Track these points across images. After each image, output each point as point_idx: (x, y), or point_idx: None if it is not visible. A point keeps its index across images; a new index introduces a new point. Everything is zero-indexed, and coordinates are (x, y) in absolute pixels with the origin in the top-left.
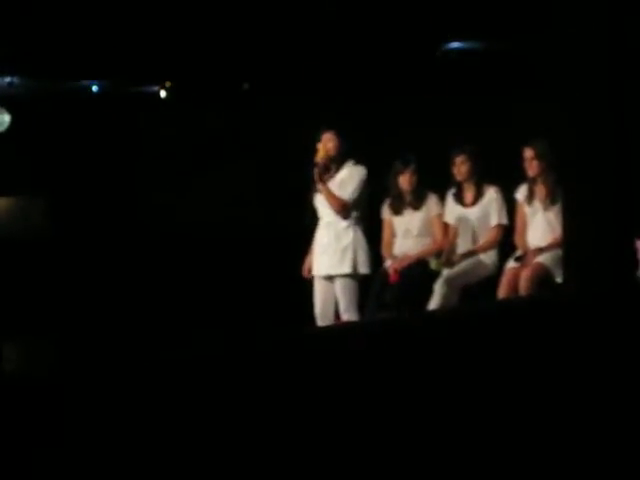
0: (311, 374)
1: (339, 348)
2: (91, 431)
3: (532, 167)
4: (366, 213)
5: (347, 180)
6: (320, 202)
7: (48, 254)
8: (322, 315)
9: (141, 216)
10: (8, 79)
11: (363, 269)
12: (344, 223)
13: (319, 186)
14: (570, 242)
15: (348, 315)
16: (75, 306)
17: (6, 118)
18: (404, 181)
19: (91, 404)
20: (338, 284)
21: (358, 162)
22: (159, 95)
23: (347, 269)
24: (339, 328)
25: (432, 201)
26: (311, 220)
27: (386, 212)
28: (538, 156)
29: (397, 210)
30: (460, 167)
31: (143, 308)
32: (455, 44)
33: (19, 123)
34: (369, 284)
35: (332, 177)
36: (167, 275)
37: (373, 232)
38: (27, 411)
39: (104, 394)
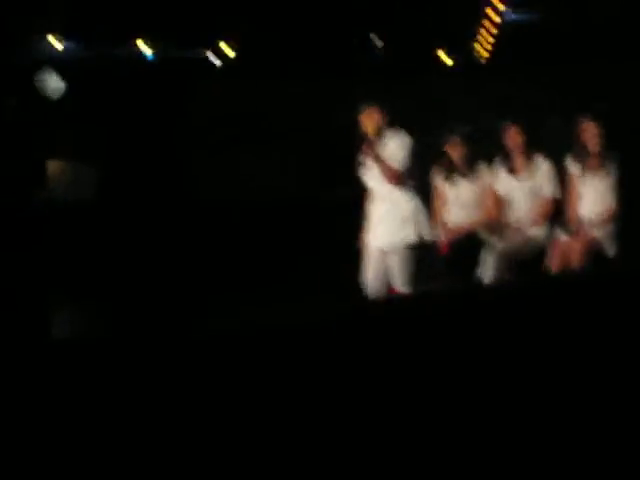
0: (371, 345)
1: (400, 319)
2: (141, 398)
3: (592, 140)
4: (417, 181)
5: (395, 149)
6: (373, 176)
7: (99, 220)
8: (373, 287)
9: (191, 185)
10: (63, 45)
11: (426, 235)
12: (401, 192)
13: (373, 160)
14: (625, 216)
15: (403, 286)
16: (125, 273)
17: (61, 85)
18: (452, 150)
19: (140, 371)
20: (397, 255)
21: (402, 132)
22: (213, 63)
23: (411, 237)
24: (399, 299)
25: (484, 172)
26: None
27: (438, 181)
28: (598, 130)
29: (449, 180)
30: (513, 137)
31: (191, 276)
32: (511, 15)
33: (73, 90)
34: (420, 255)
35: (380, 149)
36: (215, 245)
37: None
38: (77, 378)
39: (151, 362)
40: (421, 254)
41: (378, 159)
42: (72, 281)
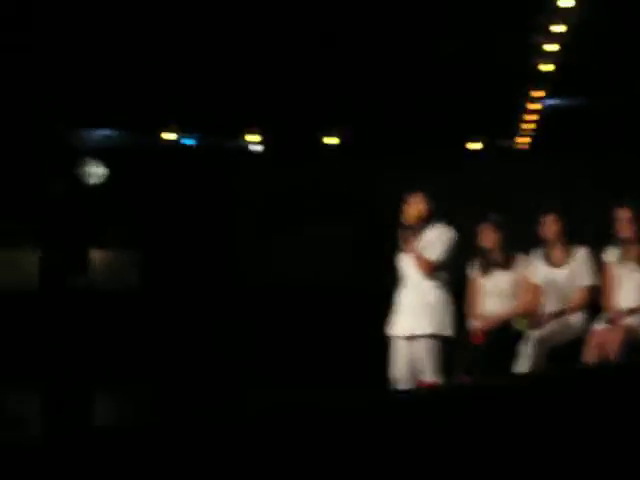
0: (400, 440)
1: (428, 414)
2: None
3: (628, 228)
4: (453, 275)
5: (435, 241)
6: (406, 262)
7: (142, 306)
8: (401, 377)
9: (233, 269)
10: (103, 132)
11: (446, 331)
12: (430, 283)
13: (407, 247)
14: None
15: (431, 377)
16: (168, 357)
17: (101, 171)
18: (485, 239)
19: (186, 456)
20: (421, 344)
21: (446, 223)
22: (253, 149)
23: (431, 330)
24: (427, 393)
25: (521, 262)
26: (394, 280)
27: (474, 271)
28: (635, 217)
29: (485, 270)
30: (549, 226)
31: (232, 358)
32: (549, 101)
33: (114, 176)
34: (453, 345)
35: (419, 238)
36: (255, 328)
37: (459, 291)
38: (119, 465)
39: (198, 446)
40: (454, 344)
41: (412, 248)
42: (112, 367)
